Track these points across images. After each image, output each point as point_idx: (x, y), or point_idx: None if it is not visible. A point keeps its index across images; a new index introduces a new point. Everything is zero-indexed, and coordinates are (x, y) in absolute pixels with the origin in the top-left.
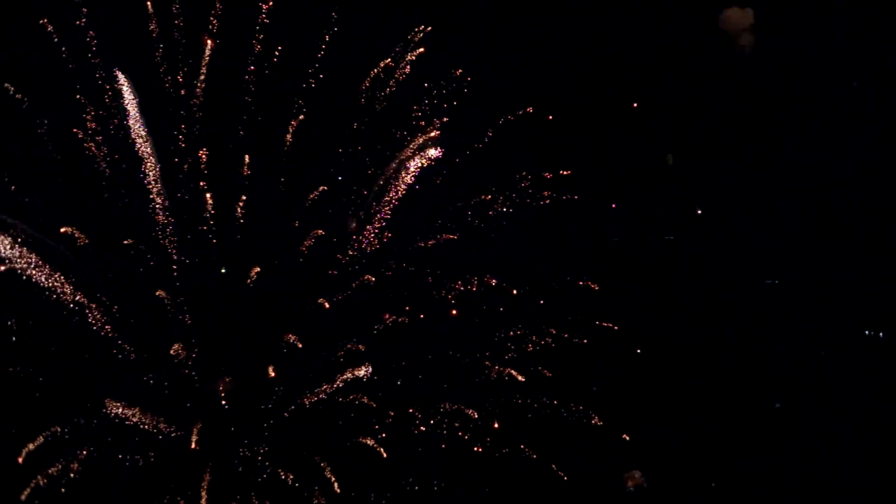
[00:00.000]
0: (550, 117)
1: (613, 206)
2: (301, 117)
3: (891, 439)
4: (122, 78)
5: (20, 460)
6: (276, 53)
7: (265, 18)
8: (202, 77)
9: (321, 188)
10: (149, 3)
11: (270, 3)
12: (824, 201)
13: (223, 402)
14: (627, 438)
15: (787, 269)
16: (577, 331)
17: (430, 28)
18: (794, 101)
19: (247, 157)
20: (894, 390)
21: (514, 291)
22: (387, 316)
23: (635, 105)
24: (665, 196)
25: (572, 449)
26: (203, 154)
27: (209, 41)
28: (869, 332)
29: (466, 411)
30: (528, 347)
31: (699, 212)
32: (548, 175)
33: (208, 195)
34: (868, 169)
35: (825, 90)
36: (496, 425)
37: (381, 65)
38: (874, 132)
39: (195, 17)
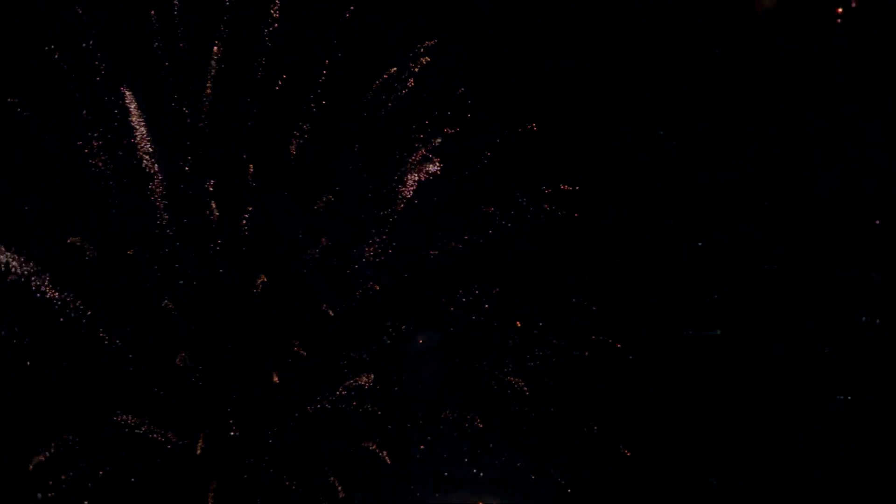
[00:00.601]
0: (552, 128)
1: (615, 204)
2: (306, 127)
3: (891, 436)
4: (128, 95)
5: (30, 468)
6: (282, 75)
7: (268, 41)
8: (207, 92)
9: (327, 197)
10: (153, 13)
11: (276, 26)
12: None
13: (227, 409)
14: (629, 454)
15: (787, 265)
16: (578, 343)
17: (434, 41)
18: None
19: (251, 166)
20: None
21: (516, 302)
22: (389, 325)
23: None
24: (667, 205)
25: (574, 458)
26: (210, 177)
27: (216, 49)
28: (865, 319)
29: (468, 419)
30: (529, 360)
31: (700, 243)
32: (547, 190)
33: (213, 204)
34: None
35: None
36: (498, 432)
37: (386, 75)
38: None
39: (200, 30)
